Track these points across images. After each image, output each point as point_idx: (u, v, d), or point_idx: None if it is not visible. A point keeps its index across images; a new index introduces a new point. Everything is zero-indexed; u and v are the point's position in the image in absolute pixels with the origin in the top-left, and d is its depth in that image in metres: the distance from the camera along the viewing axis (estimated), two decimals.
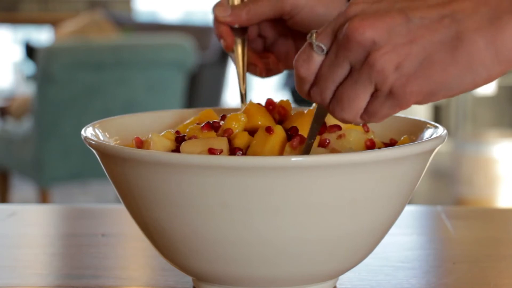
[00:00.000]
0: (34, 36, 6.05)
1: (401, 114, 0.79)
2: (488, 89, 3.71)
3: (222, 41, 0.88)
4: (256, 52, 0.91)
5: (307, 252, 0.69)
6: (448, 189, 3.99)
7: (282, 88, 5.08)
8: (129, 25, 4.65)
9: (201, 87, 4.11)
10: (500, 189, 3.67)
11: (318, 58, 0.66)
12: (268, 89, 6.47)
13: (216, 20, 0.88)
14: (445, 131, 0.75)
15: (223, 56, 4.25)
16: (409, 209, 1.04)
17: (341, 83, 0.65)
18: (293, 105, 0.82)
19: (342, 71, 0.65)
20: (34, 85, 3.30)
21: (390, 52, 0.63)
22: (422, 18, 0.63)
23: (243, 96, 0.87)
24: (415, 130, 0.79)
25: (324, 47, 0.65)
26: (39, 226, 1.04)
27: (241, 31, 0.88)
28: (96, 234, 0.97)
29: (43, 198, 3.36)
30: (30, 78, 4.39)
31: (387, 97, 0.64)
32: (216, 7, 0.88)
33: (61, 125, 3.22)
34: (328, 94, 0.66)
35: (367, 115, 0.66)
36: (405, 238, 0.95)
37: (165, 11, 6.73)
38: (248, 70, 0.89)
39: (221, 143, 0.73)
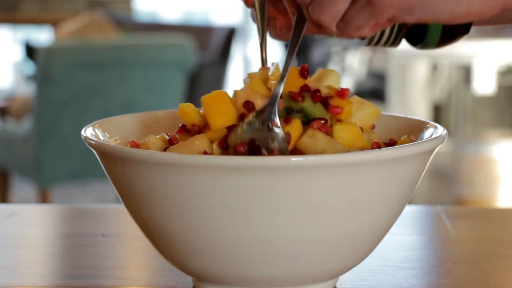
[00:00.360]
0: (34, 36, 6.05)
1: (401, 114, 0.79)
2: (488, 89, 3.71)
3: None
4: (277, 8, 0.88)
5: (307, 252, 0.69)
6: (448, 189, 3.99)
7: None
8: (129, 25, 4.65)
9: (201, 87, 4.11)
10: (500, 189, 3.66)
11: None
12: None
13: None
14: (445, 131, 0.75)
15: (223, 56, 4.25)
16: (409, 209, 1.04)
17: None
18: None
19: None
20: (34, 85, 3.30)
21: None
22: None
23: (263, 61, 0.86)
24: (415, 130, 0.79)
25: None
26: (39, 226, 1.04)
27: None
28: (96, 234, 0.97)
29: (43, 198, 3.36)
30: (30, 78, 4.39)
31: (365, 5, 0.66)
32: None
33: (61, 125, 3.22)
34: None
35: (343, 23, 0.67)
36: (405, 238, 0.95)
37: (165, 11, 6.73)
38: (268, 26, 0.87)
39: (202, 142, 0.72)
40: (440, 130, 0.75)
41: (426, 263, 0.88)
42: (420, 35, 0.84)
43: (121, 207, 0.77)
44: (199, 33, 4.44)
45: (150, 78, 3.35)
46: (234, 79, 6.00)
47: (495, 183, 3.67)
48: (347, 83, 4.73)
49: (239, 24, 5.70)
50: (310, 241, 0.69)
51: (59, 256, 0.92)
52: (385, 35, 0.85)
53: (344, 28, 0.68)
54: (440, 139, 0.72)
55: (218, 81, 4.26)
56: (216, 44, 4.28)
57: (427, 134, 0.77)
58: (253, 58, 6.49)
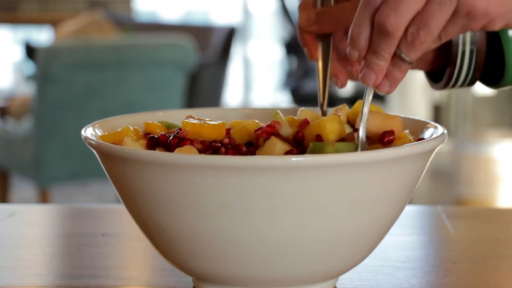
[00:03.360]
0: (34, 36, 6.05)
1: (401, 114, 0.79)
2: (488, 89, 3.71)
3: (306, 49, 0.86)
4: (341, 56, 0.88)
5: (307, 252, 0.69)
6: (448, 189, 3.99)
7: (282, 88, 5.09)
8: (129, 25, 4.65)
9: (201, 87, 4.11)
10: (500, 189, 3.67)
11: None
12: (268, 89, 6.47)
13: (300, 28, 0.86)
14: (445, 131, 0.75)
15: (223, 56, 4.25)
16: (409, 209, 1.04)
17: (424, 7, 0.67)
18: (292, 105, 0.82)
19: None
20: (34, 85, 3.30)
21: None
22: None
23: (322, 109, 0.84)
24: (415, 130, 0.79)
25: None
26: (39, 226, 1.04)
27: (326, 36, 0.85)
28: (96, 234, 0.97)
29: (43, 198, 3.36)
30: (30, 78, 4.38)
31: (463, 17, 0.67)
32: (300, 14, 0.85)
33: (61, 125, 3.22)
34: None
35: (444, 34, 0.68)
36: (405, 238, 0.95)
37: (165, 11, 6.73)
38: (330, 79, 0.86)
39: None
40: (440, 130, 0.75)
41: (426, 263, 0.88)
42: (495, 74, 0.85)
43: (121, 207, 0.77)
44: (199, 33, 4.43)
45: (150, 78, 3.35)
46: (234, 79, 6.00)
47: (495, 183, 3.67)
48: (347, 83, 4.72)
49: (239, 24, 5.70)
50: (310, 241, 0.69)
51: (59, 256, 0.92)
52: (461, 77, 0.85)
53: (418, 32, 0.68)
54: (440, 139, 0.72)
55: (218, 81, 4.26)
56: (216, 44, 4.28)
57: (427, 134, 0.77)
58: (253, 58, 6.49)
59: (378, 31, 0.68)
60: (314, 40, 0.86)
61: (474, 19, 0.67)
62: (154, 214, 0.70)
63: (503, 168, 3.66)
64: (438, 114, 4.63)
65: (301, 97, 4.70)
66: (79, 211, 1.16)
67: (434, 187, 4.11)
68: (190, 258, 0.71)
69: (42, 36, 6.01)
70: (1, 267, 0.86)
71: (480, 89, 3.71)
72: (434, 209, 1.07)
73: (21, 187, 4.25)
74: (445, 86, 0.87)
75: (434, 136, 0.74)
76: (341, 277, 0.78)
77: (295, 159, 0.65)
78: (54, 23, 5.37)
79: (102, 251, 0.91)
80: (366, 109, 0.72)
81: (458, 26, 0.68)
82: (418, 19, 0.67)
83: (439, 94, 4.22)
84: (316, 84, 0.75)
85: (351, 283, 0.79)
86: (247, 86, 6.44)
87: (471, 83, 0.86)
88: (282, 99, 5.52)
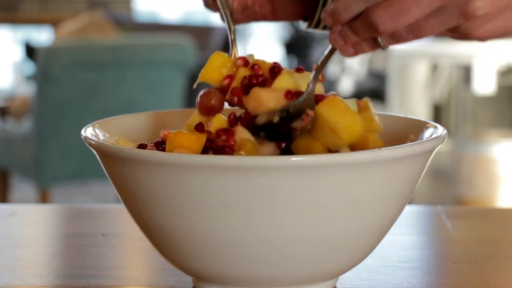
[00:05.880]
0: (34, 36, 6.05)
1: (401, 114, 0.79)
2: (488, 89, 3.71)
3: None
4: None
5: (307, 252, 0.69)
6: (448, 189, 3.99)
7: None
8: (129, 25, 4.65)
9: (201, 87, 4.11)
10: (500, 189, 3.66)
11: None
12: None
13: None
14: (445, 131, 0.75)
15: None
16: (409, 209, 1.04)
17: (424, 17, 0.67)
18: None
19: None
20: (34, 85, 3.30)
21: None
22: None
23: (232, 43, 0.83)
24: (415, 130, 0.79)
25: None
26: (39, 226, 1.04)
27: None
28: (96, 234, 0.97)
29: (43, 198, 3.36)
30: (30, 78, 4.39)
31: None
32: None
33: (61, 125, 3.22)
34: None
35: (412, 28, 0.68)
36: (405, 238, 0.95)
37: (165, 11, 6.73)
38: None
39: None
40: (440, 130, 0.75)
41: (426, 263, 0.88)
42: None
43: (121, 207, 0.77)
44: (199, 33, 4.44)
45: (150, 78, 3.35)
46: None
47: (495, 183, 3.67)
48: (347, 83, 4.73)
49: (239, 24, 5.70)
50: (310, 241, 0.69)
51: (59, 256, 0.92)
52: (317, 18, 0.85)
53: (407, 34, 0.68)
54: (440, 139, 0.72)
55: None
56: (216, 44, 4.28)
57: (427, 134, 0.77)
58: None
59: (368, 26, 0.68)
60: None
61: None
62: (154, 214, 0.70)
63: (503, 168, 3.66)
64: (438, 114, 4.63)
65: None
66: (79, 211, 1.16)
67: (434, 187, 4.11)
68: (190, 258, 0.71)
69: (42, 36, 6.02)
70: (1, 267, 0.86)
71: (480, 89, 3.71)
72: (434, 209, 1.07)
73: (21, 187, 4.25)
74: (309, 26, 0.87)
75: (434, 136, 0.74)
76: (341, 277, 0.78)
77: (295, 159, 0.65)
78: (54, 23, 5.37)
79: (102, 251, 0.91)
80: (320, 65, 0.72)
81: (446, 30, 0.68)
82: (413, 26, 0.67)
83: (439, 94, 4.22)
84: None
85: (351, 283, 0.79)
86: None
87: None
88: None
